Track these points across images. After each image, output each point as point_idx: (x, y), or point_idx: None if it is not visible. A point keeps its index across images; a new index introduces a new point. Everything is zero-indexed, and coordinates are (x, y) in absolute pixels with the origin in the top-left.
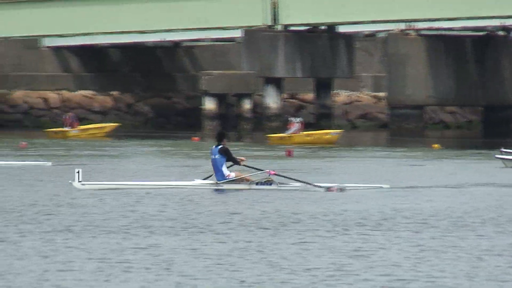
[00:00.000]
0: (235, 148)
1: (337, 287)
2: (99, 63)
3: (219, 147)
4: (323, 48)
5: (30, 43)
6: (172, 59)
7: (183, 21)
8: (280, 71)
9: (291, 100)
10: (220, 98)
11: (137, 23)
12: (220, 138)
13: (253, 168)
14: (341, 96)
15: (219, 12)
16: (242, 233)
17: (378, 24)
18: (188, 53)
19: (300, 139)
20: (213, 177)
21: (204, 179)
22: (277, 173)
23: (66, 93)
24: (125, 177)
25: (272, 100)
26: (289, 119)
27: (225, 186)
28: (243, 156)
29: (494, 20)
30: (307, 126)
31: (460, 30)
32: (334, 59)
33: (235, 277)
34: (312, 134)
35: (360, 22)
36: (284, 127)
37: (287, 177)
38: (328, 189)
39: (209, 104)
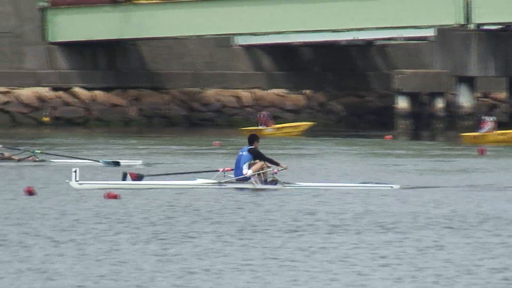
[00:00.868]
0: (424, 147)
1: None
2: (291, 61)
3: (250, 147)
4: None
5: (223, 42)
6: (365, 58)
7: (375, 19)
8: (473, 70)
9: (484, 99)
10: (413, 96)
11: (330, 22)
12: (251, 140)
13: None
14: None
15: (411, 11)
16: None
17: None
18: (380, 51)
19: (494, 138)
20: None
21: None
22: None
23: (258, 92)
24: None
25: (465, 99)
26: (482, 118)
27: (229, 186)
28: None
29: None
30: (500, 125)
31: None
32: None
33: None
34: (506, 133)
35: None
36: (477, 126)
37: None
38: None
39: (402, 103)
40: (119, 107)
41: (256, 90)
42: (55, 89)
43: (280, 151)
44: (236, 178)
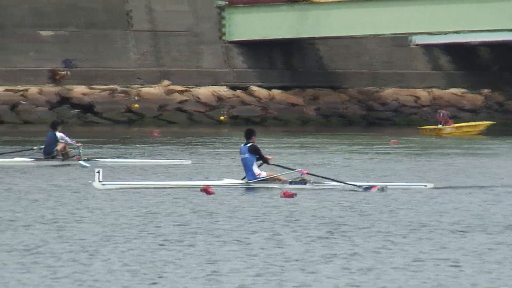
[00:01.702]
0: None
1: None
2: (468, 61)
3: (248, 145)
4: None
5: (401, 41)
6: None
7: None
8: None
9: None
10: None
11: (508, 21)
12: (249, 135)
13: (283, 167)
14: None
15: None
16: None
17: None
18: None
19: None
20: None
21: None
22: (309, 172)
23: (436, 91)
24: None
25: None
26: None
27: (257, 186)
28: (269, 155)
29: None
30: None
31: None
32: None
33: None
34: None
35: None
36: None
37: (321, 177)
38: (368, 188)
39: None
40: (297, 106)
41: (433, 90)
42: (232, 88)
43: (459, 150)
44: (252, 181)
